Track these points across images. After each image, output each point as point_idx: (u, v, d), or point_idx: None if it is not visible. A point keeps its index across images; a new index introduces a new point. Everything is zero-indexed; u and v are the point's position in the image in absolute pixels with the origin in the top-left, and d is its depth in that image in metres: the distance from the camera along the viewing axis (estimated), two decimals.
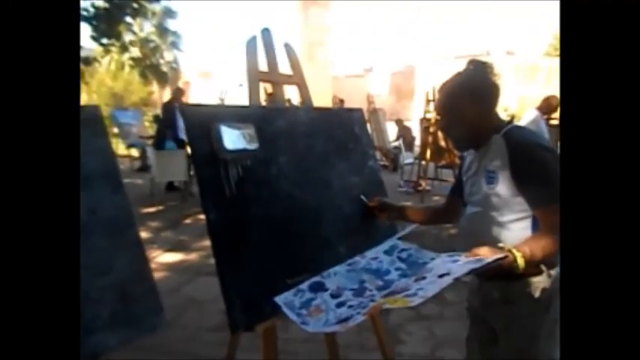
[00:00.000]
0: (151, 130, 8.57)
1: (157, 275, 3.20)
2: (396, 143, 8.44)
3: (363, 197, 1.57)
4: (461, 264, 0.99)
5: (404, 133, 8.61)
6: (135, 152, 7.48)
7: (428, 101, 5.83)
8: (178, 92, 6.14)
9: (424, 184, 6.03)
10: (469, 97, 1.16)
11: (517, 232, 1.13)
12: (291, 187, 1.41)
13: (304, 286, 1.19)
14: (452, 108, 1.20)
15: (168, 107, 5.90)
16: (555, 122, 6.48)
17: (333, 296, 1.14)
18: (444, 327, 2.48)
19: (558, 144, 5.84)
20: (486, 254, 0.97)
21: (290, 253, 1.34)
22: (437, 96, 1.26)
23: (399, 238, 1.42)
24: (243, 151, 1.29)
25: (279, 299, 1.14)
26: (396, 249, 1.32)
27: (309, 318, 1.06)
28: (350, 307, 1.06)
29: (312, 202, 1.46)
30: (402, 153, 7.60)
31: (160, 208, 5.32)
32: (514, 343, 1.21)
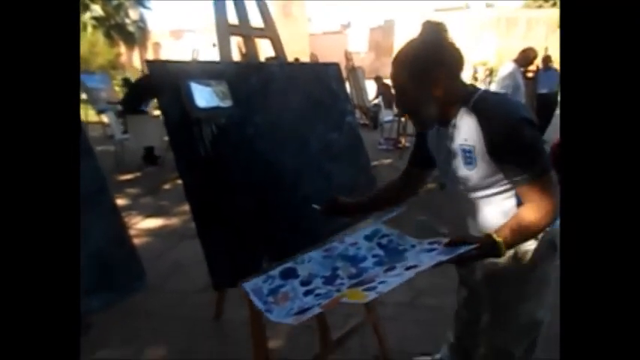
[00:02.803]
0: (121, 94, 8.19)
1: (140, 241, 3.18)
2: (376, 101, 8.37)
3: (315, 206, 1.40)
4: (433, 255, 0.96)
5: (383, 90, 8.51)
6: (106, 118, 7.19)
7: None
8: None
9: (404, 141, 6.06)
10: (427, 69, 1.02)
11: (503, 206, 1.09)
12: (268, 145, 1.38)
13: (275, 272, 1.16)
14: (409, 83, 1.05)
15: (142, 85, 5.59)
16: (531, 75, 6.52)
17: (303, 283, 1.11)
18: (422, 279, 2.58)
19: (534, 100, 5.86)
20: (464, 241, 0.94)
21: (270, 212, 1.35)
22: (391, 69, 1.09)
23: (384, 222, 1.35)
24: (217, 109, 1.24)
25: (248, 285, 1.11)
26: (377, 234, 1.26)
27: (275, 305, 1.03)
28: (317, 295, 1.04)
29: (291, 160, 1.45)
30: (382, 111, 7.56)
31: (138, 174, 5.21)
32: (498, 303, 1.21)
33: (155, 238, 3.25)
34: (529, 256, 1.11)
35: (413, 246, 1.13)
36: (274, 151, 1.40)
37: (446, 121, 1.10)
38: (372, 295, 0.87)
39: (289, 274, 1.15)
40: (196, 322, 2.13)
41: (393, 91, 1.12)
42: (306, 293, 1.06)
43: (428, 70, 1.02)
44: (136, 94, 5.47)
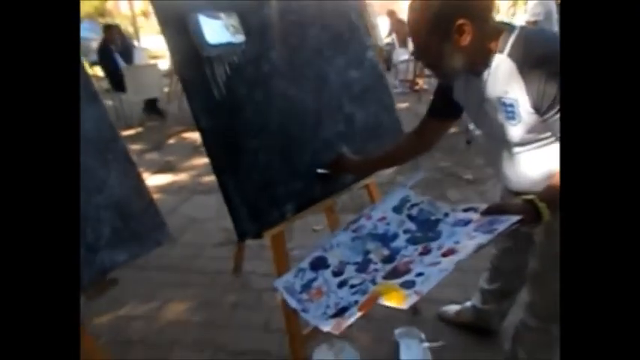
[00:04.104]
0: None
1: None
2: (389, 39, 8.04)
3: (320, 170, 1.39)
4: (470, 230, 0.94)
5: (397, 27, 8.15)
6: (100, 71, 7.09)
7: None
8: (110, 32, 5.51)
9: (421, 83, 5.89)
10: (451, 17, 0.93)
11: (547, 159, 1.05)
12: (285, 85, 1.34)
13: (305, 263, 1.14)
14: (430, 35, 0.97)
15: (103, 51, 5.40)
16: None
17: (335, 274, 1.10)
18: None
19: None
20: (503, 209, 0.91)
21: (291, 157, 1.34)
22: (408, 18, 1.01)
23: (411, 187, 1.29)
24: (228, 45, 1.20)
25: (280, 283, 1.10)
26: (406, 204, 1.22)
27: (310, 303, 1.02)
28: (352, 286, 1.04)
29: (310, 101, 1.41)
30: (396, 49, 7.30)
31: (140, 129, 5.21)
32: (554, 252, 1.20)
33: (165, 194, 3.29)
34: None
35: (446, 214, 1.09)
36: (293, 91, 1.36)
37: (477, 71, 1.03)
38: (412, 298, 0.85)
39: (319, 265, 1.13)
40: (216, 275, 2.20)
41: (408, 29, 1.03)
42: (340, 285, 1.05)
43: (451, 17, 0.93)
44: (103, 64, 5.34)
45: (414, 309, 1.86)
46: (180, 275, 2.23)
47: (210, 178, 3.48)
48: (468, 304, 1.74)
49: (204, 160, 3.84)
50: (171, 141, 4.71)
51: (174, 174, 3.71)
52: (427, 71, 5.88)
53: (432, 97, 1.29)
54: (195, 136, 4.58)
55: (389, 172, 3.16)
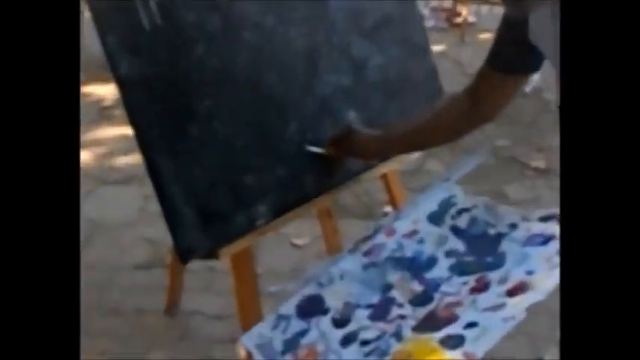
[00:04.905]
0: None
1: None
2: None
3: (313, 148, 1.43)
4: (552, 252, 0.99)
5: None
6: None
7: None
8: None
9: (465, 14, 5.94)
10: None
11: None
12: (258, 11, 1.37)
13: (290, 307, 1.15)
14: None
15: None
16: None
17: (338, 323, 1.11)
18: None
19: None
20: None
21: (267, 128, 1.36)
22: None
23: (459, 183, 1.32)
24: None
25: (249, 339, 1.11)
26: (450, 209, 1.24)
27: None
28: (363, 343, 1.05)
29: (298, 37, 1.44)
30: None
31: None
32: None
33: None
34: None
35: (513, 226, 1.13)
36: (269, 20, 1.38)
37: None
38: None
39: (313, 309, 1.15)
40: (138, 316, 2.21)
41: None
42: (346, 341, 1.07)
43: None
44: None
45: None
46: (83, 315, 2.21)
47: (128, 159, 3.48)
48: None
49: (116, 131, 3.81)
50: None
51: None
52: None
53: (492, 38, 1.32)
54: (101, 91, 4.54)
55: (416, 155, 3.18)
